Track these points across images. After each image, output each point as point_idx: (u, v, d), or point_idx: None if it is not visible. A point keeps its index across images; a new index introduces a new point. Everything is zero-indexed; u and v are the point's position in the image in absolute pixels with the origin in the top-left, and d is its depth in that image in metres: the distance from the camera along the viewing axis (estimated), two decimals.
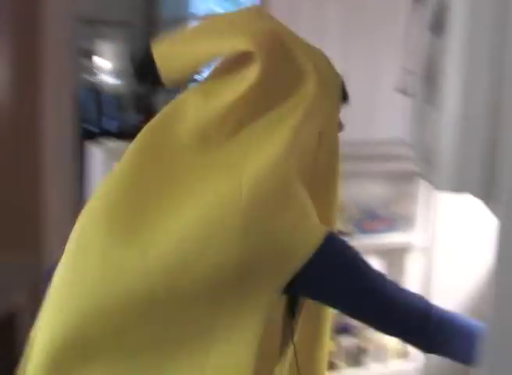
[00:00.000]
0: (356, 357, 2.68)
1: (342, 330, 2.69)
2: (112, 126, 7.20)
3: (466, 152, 1.14)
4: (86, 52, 8.50)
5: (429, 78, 1.47)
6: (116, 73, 8.78)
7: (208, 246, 1.12)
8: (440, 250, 2.81)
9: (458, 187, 1.24)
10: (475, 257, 2.85)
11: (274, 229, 1.17)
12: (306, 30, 1.57)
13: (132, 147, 1.25)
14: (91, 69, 8.60)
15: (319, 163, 1.33)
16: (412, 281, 2.88)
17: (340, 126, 1.44)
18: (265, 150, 1.21)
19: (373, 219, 2.69)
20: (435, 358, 2.71)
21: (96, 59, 8.53)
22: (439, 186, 1.24)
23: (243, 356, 1.16)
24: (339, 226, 2.46)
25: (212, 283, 1.13)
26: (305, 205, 1.23)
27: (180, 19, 8.83)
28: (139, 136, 1.27)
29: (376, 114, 3.09)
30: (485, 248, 2.81)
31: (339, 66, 1.40)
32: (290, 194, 1.21)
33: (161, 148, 1.24)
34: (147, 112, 6.41)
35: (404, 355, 2.79)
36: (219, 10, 9.79)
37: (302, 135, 1.26)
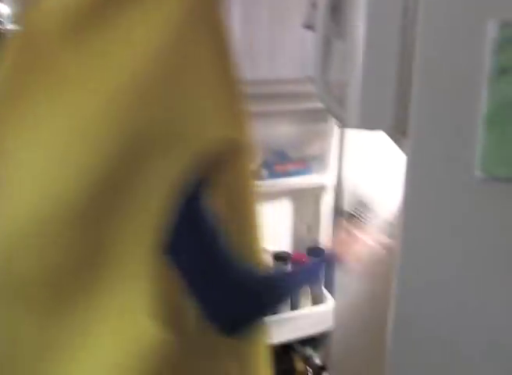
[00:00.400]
0: None
1: None
2: None
3: (377, 88, 1.09)
4: None
5: (335, 9, 1.40)
6: None
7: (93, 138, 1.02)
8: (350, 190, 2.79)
9: (370, 125, 1.19)
10: (384, 195, 2.85)
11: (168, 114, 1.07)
12: None
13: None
14: None
15: None
16: (323, 222, 2.86)
17: None
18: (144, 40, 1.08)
19: (284, 162, 2.64)
20: (344, 300, 2.73)
21: None
22: (349, 124, 1.18)
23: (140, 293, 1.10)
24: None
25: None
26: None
27: None
28: None
29: (279, 52, 3.02)
30: (394, 187, 2.80)
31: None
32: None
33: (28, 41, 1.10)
34: None
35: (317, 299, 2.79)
36: None
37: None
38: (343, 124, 1.28)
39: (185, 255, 1.11)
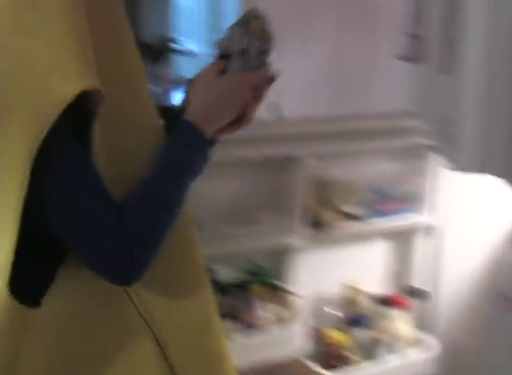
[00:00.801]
0: (370, 350, 2.55)
1: (354, 322, 2.56)
2: None
3: (495, 131, 1.00)
4: None
5: (444, 43, 1.32)
6: None
7: None
8: (450, 230, 2.68)
9: (482, 168, 1.10)
10: (485, 235, 2.73)
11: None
12: None
13: None
14: None
15: None
16: (421, 263, 2.75)
17: None
18: None
19: (384, 200, 2.54)
20: (451, 347, 2.61)
21: None
22: (461, 166, 1.09)
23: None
24: (348, 209, 2.30)
25: None
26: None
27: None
28: None
29: (373, 85, 2.94)
30: (496, 227, 2.68)
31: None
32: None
33: None
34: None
35: (418, 342, 2.67)
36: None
37: None
38: (452, 165, 1.20)
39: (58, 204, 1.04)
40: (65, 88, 0.99)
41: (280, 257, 2.33)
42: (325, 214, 2.34)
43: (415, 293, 2.71)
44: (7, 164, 1.01)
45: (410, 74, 2.63)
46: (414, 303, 2.69)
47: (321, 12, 2.52)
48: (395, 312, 2.60)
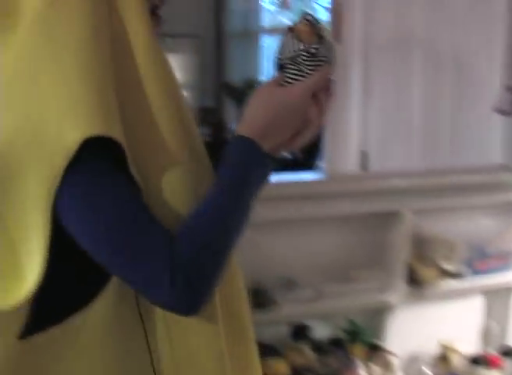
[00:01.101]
0: None
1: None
2: None
3: None
4: None
5: None
6: (185, 87, 8.73)
7: None
8: None
9: None
10: None
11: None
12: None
13: None
14: None
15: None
16: None
17: None
18: None
19: (483, 258, 2.45)
20: None
21: None
22: None
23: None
24: (448, 267, 2.20)
25: None
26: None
27: (248, 31, 8.75)
28: None
29: (467, 138, 2.85)
30: None
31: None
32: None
33: None
34: (215, 126, 6.25)
35: None
36: (288, 23, 9.69)
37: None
38: None
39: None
40: (73, 136, 0.96)
41: (377, 314, 2.26)
42: (424, 270, 2.26)
43: (510, 353, 2.60)
44: (28, 219, 0.99)
45: (508, 128, 2.55)
46: (508, 363, 2.58)
47: (416, 61, 2.46)
48: (489, 373, 2.50)
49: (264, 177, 1.10)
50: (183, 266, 0.98)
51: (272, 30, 9.15)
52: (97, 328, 1.08)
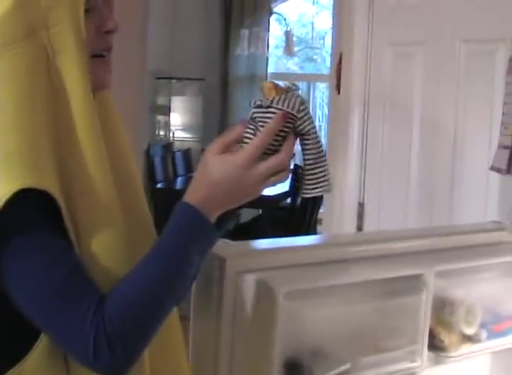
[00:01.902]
0: None
1: None
2: (182, 183, 7.07)
3: None
4: (160, 108, 8.53)
5: None
6: (189, 129, 8.77)
7: None
8: None
9: None
10: None
11: None
12: None
13: None
14: (164, 125, 8.62)
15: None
16: None
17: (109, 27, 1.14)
18: None
19: (500, 320, 2.40)
20: None
21: (169, 115, 8.53)
22: None
23: None
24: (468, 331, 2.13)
25: None
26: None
27: (254, 76, 8.80)
28: None
29: (460, 196, 2.83)
30: None
31: None
32: None
33: None
34: None
35: None
36: (297, 70, 9.78)
37: None
38: None
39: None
40: (4, 187, 0.96)
41: None
42: (445, 336, 2.21)
43: None
44: None
45: (505, 186, 2.53)
46: None
47: (415, 120, 2.45)
48: None
49: (204, 245, 1.09)
50: (109, 332, 0.98)
51: (278, 76, 9.23)
52: None
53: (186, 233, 1.06)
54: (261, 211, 6.02)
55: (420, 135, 2.36)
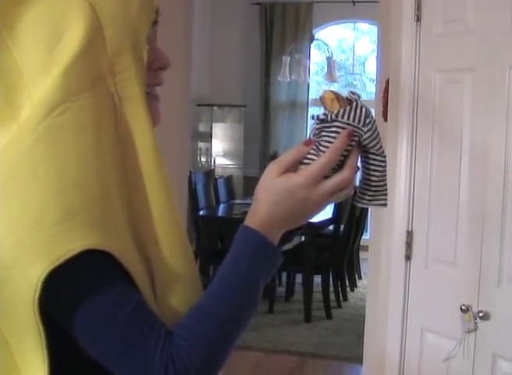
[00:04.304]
0: None
1: None
2: (224, 210, 7.07)
3: None
4: (201, 135, 8.57)
5: None
6: (230, 155, 8.79)
7: None
8: None
9: None
10: None
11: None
12: None
13: None
14: (206, 152, 8.64)
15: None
16: None
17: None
18: None
19: None
20: None
21: (211, 142, 8.55)
22: None
23: None
24: None
25: None
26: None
27: (295, 102, 8.81)
28: None
29: None
30: None
31: None
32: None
33: None
34: None
35: None
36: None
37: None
38: None
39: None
40: (68, 246, 0.95)
41: None
42: None
43: None
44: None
45: None
46: None
47: (464, 150, 2.41)
48: None
49: (269, 269, 1.07)
50: (178, 368, 0.97)
51: (319, 102, 9.21)
52: None
53: (250, 260, 1.05)
54: (303, 238, 5.98)
55: (469, 162, 2.31)
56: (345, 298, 6.34)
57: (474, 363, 2.29)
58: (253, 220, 1.06)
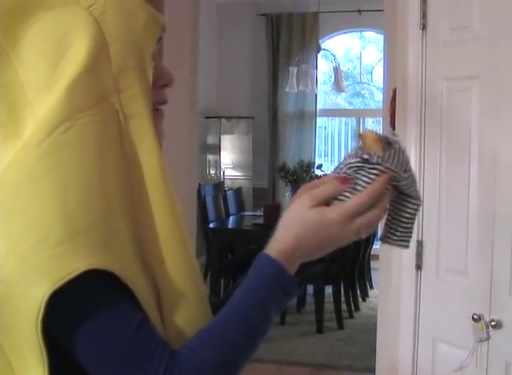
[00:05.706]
0: None
1: None
2: (234, 222, 7.06)
3: None
4: (209, 147, 8.58)
5: None
6: (239, 167, 8.79)
7: None
8: None
9: None
10: None
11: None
12: None
13: None
14: (215, 164, 8.65)
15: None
16: None
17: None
18: None
19: None
20: None
21: (220, 154, 8.56)
22: None
23: None
24: None
25: None
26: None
27: (303, 113, 8.81)
28: None
29: None
30: None
31: None
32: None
33: None
34: (268, 207, 6.22)
35: None
36: (346, 106, 9.77)
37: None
38: None
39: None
40: (71, 266, 0.94)
41: None
42: None
43: None
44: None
45: None
46: None
47: (473, 159, 2.40)
48: None
49: (283, 300, 1.05)
50: None
51: (327, 112, 9.23)
52: None
53: (267, 291, 1.03)
54: None
55: (478, 171, 2.30)
56: (356, 308, 6.31)
57: (488, 373, 2.26)
58: (276, 249, 1.04)
